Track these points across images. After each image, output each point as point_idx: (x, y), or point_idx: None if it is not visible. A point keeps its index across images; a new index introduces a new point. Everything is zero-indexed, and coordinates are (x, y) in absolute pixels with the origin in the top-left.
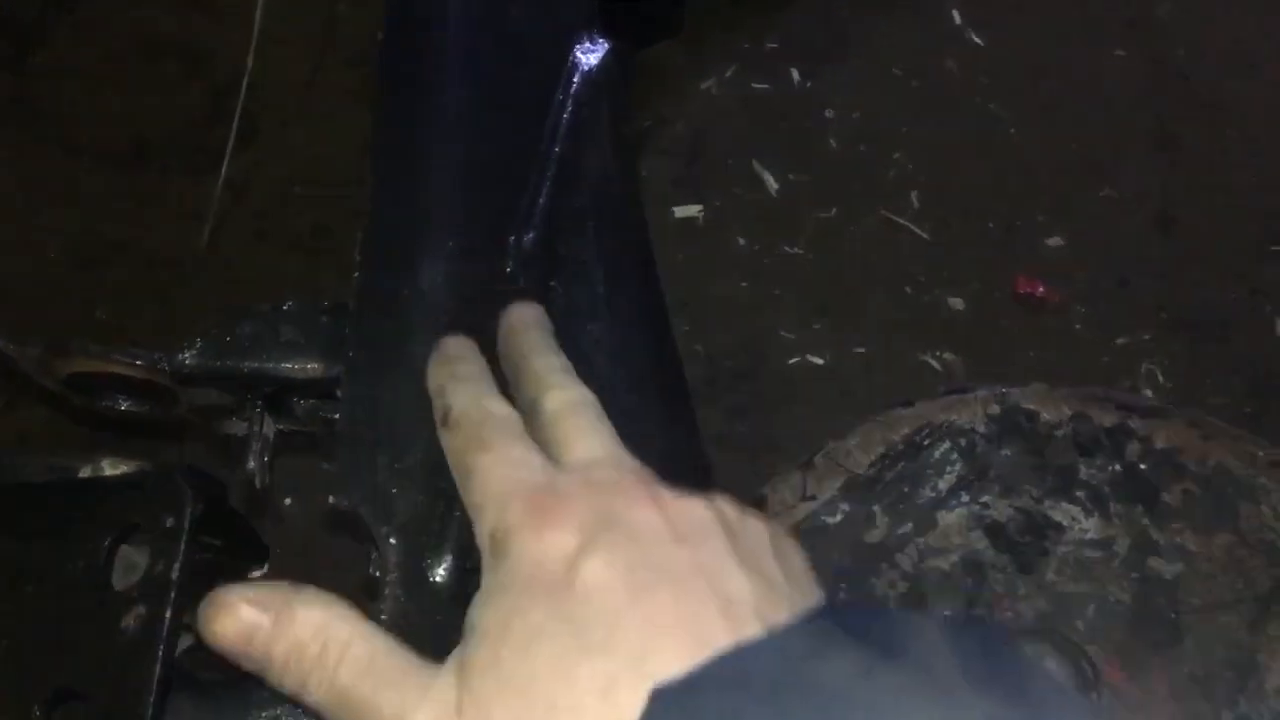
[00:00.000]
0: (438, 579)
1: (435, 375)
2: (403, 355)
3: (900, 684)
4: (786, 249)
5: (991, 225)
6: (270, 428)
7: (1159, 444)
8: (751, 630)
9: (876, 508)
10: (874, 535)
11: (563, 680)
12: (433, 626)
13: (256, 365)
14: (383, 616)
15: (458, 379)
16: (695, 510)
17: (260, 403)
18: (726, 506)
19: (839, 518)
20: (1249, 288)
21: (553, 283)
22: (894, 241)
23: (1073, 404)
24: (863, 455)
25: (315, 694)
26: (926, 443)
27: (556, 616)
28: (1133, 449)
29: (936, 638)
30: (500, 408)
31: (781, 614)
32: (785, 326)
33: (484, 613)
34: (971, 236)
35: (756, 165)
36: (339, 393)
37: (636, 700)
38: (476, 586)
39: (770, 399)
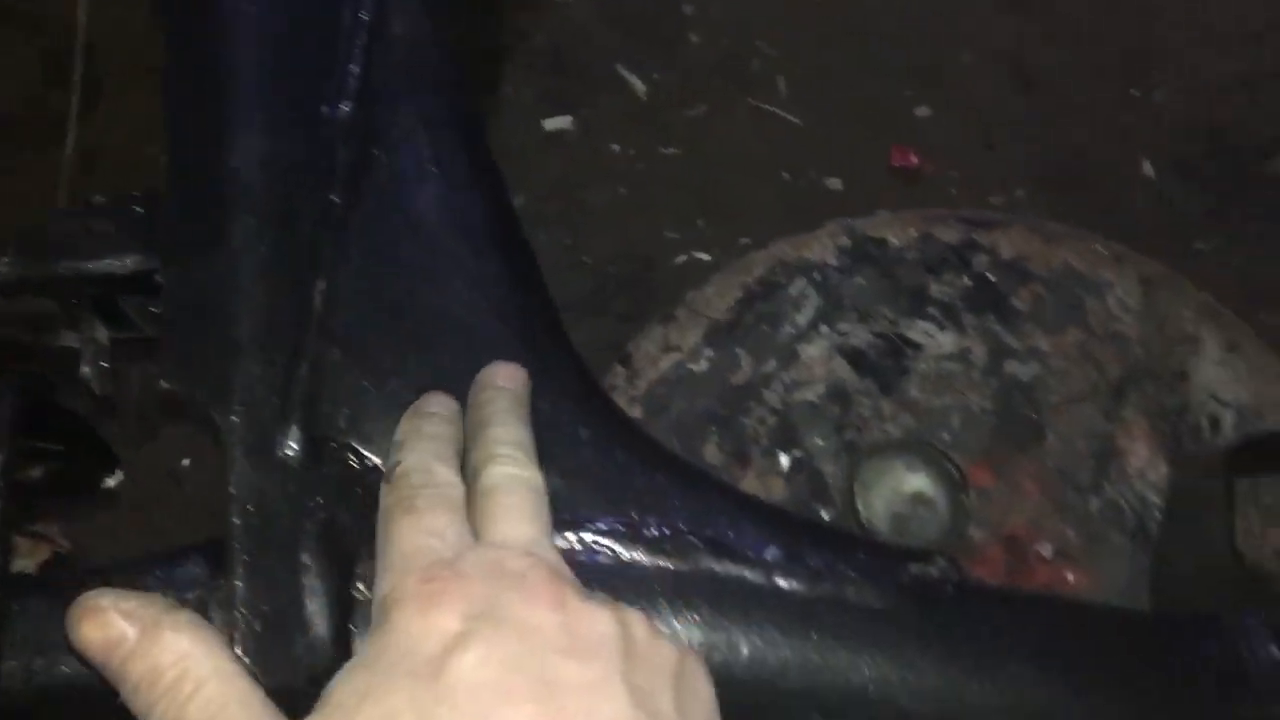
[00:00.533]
0: (287, 452)
1: (403, 427)
2: (220, 234)
3: None
4: (661, 150)
5: (860, 101)
6: (103, 333)
7: (1004, 253)
8: None
9: (739, 350)
10: (739, 377)
11: None
12: (285, 498)
13: (73, 264)
14: (232, 490)
15: (420, 435)
16: (598, 623)
17: (87, 305)
18: (637, 624)
19: (704, 364)
20: (1114, 133)
21: (375, 151)
22: (767, 130)
23: (918, 226)
24: (721, 301)
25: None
26: (781, 281)
27: (414, 706)
28: (979, 261)
29: None
30: (445, 474)
31: None
32: (669, 227)
33: (345, 683)
34: (841, 116)
35: (621, 69)
36: (159, 280)
37: None
38: (332, 459)
39: (663, 301)
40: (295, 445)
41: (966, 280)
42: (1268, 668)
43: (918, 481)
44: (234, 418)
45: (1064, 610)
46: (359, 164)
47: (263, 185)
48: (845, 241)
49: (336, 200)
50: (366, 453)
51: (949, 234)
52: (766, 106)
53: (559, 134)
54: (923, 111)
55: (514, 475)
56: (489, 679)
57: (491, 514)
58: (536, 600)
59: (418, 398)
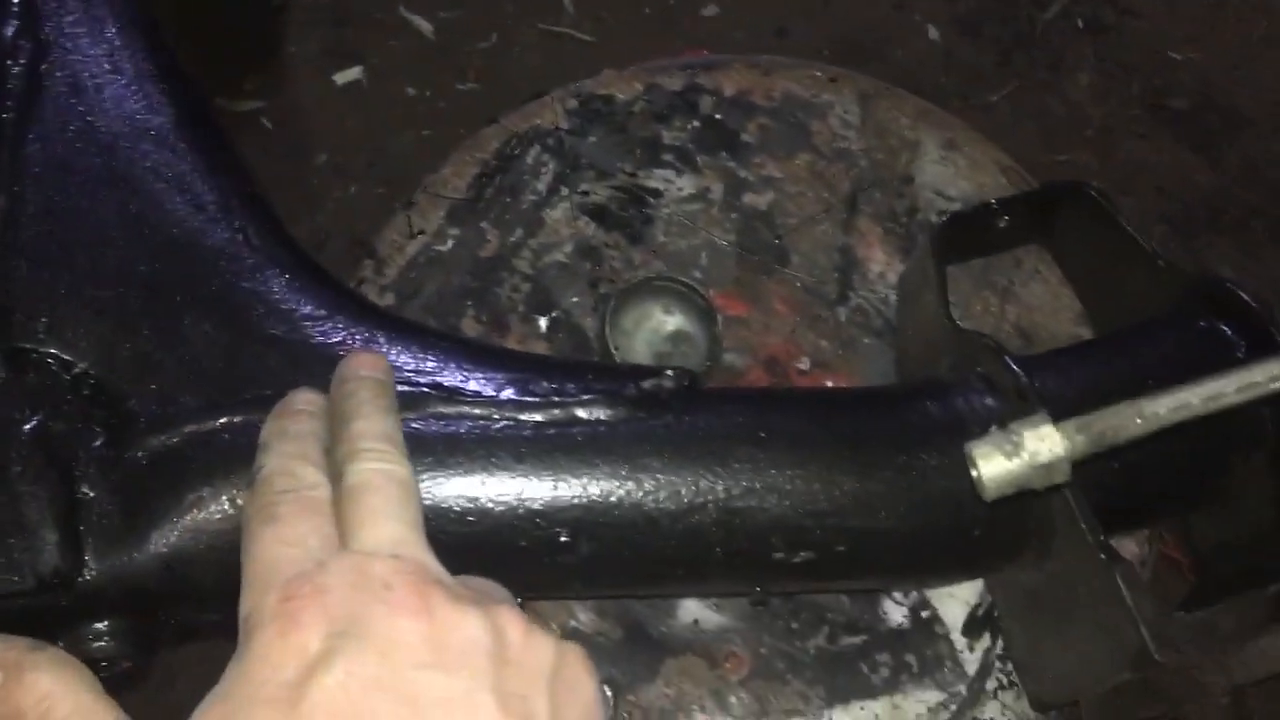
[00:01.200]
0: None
1: (267, 428)
2: None
3: None
4: (458, 86)
5: (647, 11)
6: None
7: (728, 92)
8: None
9: (484, 224)
10: (488, 250)
11: None
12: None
13: None
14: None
15: (284, 435)
16: (467, 628)
17: None
18: (511, 624)
19: (450, 244)
20: (896, 5)
21: (48, 65)
22: (560, 50)
23: (642, 78)
24: (459, 180)
25: None
26: (517, 152)
27: None
28: (705, 103)
29: None
30: (309, 475)
31: None
32: None
33: (203, 714)
34: (631, 28)
35: (404, 12)
36: None
37: None
38: (34, 368)
39: None
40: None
41: (696, 123)
42: (983, 414)
43: (674, 321)
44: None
45: (795, 397)
46: (30, 79)
47: None
48: (573, 104)
49: (8, 117)
50: (69, 358)
51: (673, 81)
52: (556, 28)
53: (352, 85)
54: (710, 10)
55: (379, 470)
56: (349, 701)
57: (356, 516)
58: (400, 610)
59: (117, 298)
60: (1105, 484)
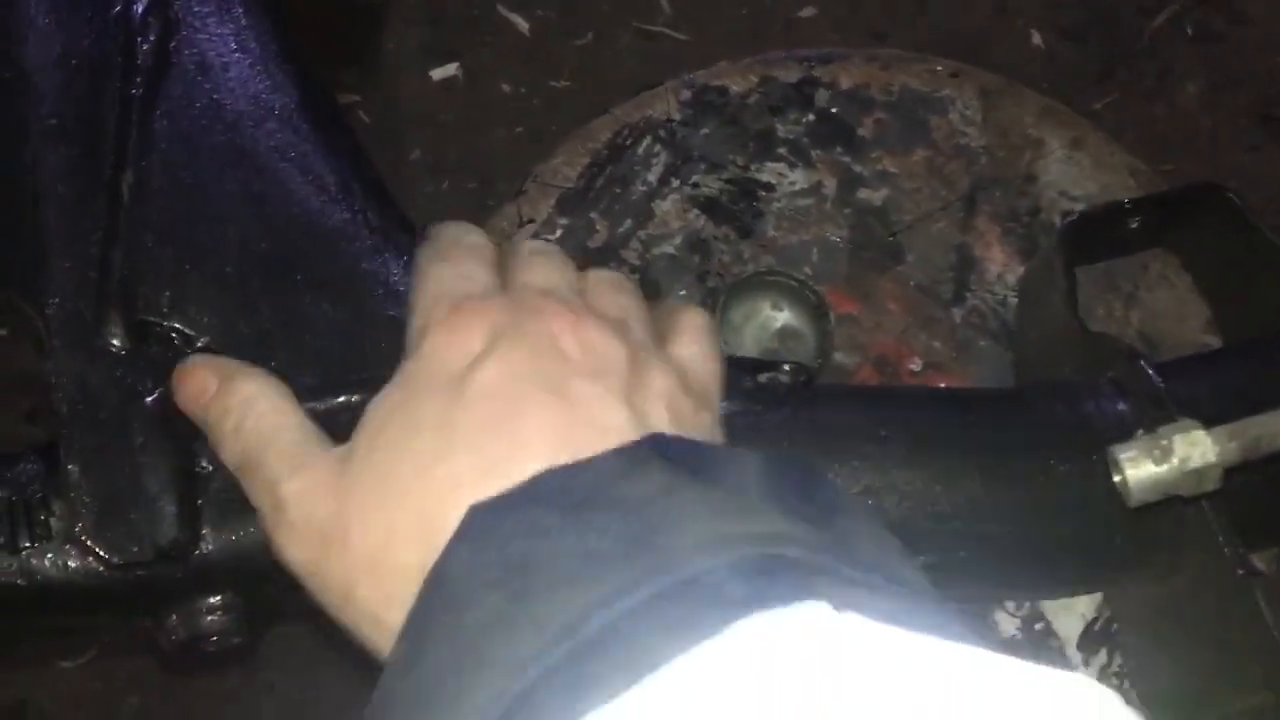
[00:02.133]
0: (111, 340)
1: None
2: (19, 135)
3: (696, 498)
4: (552, 84)
5: (744, 11)
6: None
7: (845, 85)
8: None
9: (593, 214)
10: (597, 240)
11: (420, 477)
12: (112, 383)
13: None
14: (53, 380)
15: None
16: (608, 346)
17: None
18: (643, 350)
19: (559, 233)
20: (999, 10)
21: (177, 42)
22: (654, 51)
23: (756, 70)
24: (570, 170)
25: (225, 450)
26: (628, 143)
27: (440, 415)
28: (821, 96)
29: (753, 469)
30: (478, 237)
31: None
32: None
33: (379, 402)
34: (728, 28)
35: (502, 10)
36: None
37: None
38: (158, 342)
39: None
40: (117, 331)
41: (810, 116)
42: (1112, 419)
43: (783, 317)
44: (49, 311)
45: (916, 395)
46: (159, 56)
47: (60, 84)
48: (686, 95)
49: (137, 94)
50: (191, 332)
51: (788, 74)
52: (653, 28)
53: (448, 81)
54: (808, 12)
55: (540, 244)
56: (505, 389)
57: (520, 266)
58: (552, 321)
59: (239, 275)
60: (1242, 496)
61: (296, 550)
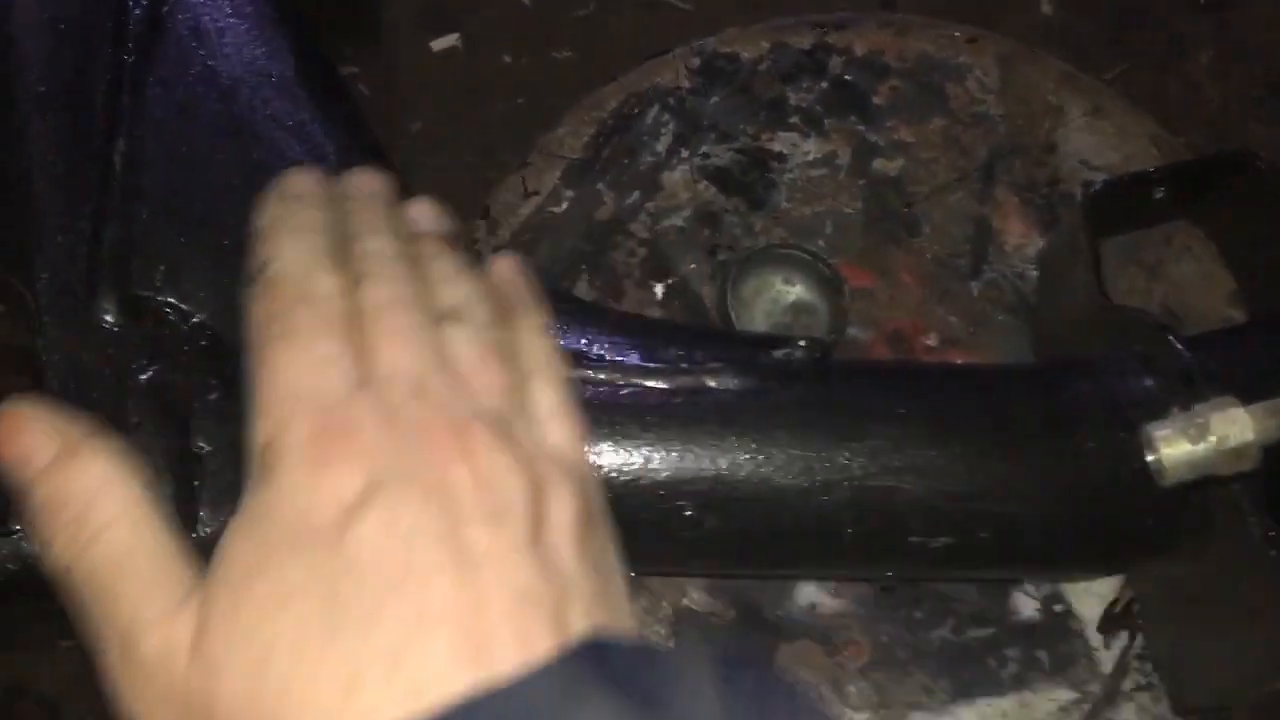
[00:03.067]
0: (103, 315)
1: (267, 213)
2: (6, 104)
3: None
4: (554, 55)
5: None
6: None
7: (859, 51)
8: (538, 641)
9: (600, 185)
10: (604, 212)
11: (303, 664)
12: (105, 360)
13: None
14: (44, 358)
15: (291, 228)
16: (507, 474)
17: None
18: (546, 470)
19: (565, 205)
20: None
21: (165, 9)
22: (657, 21)
23: (768, 36)
24: (575, 140)
25: (58, 557)
26: (635, 111)
27: (313, 580)
28: (835, 63)
29: (704, 683)
30: (327, 283)
31: (575, 618)
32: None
33: (235, 548)
34: None
35: None
36: None
37: (380, 709)
38: (153, 318)
39: None
40: (110, 307)
41: (824, 84)
42: (1140, 396)
43: (795, 291)
44: (40, 286)
45: (935, 371)
46: (151, 22)
47: (48, 51)
48: (695, 62)
49: (129, 60)
50: (186, 307)
51: (801, 40)
52: None
53: (449, 52)
54: None
55: (397, 295)
56: (397, 548)
57: (378, 339)
58: (442, 452)
59: (235, 248)
60: (1270, 475)
61: (148, 708)
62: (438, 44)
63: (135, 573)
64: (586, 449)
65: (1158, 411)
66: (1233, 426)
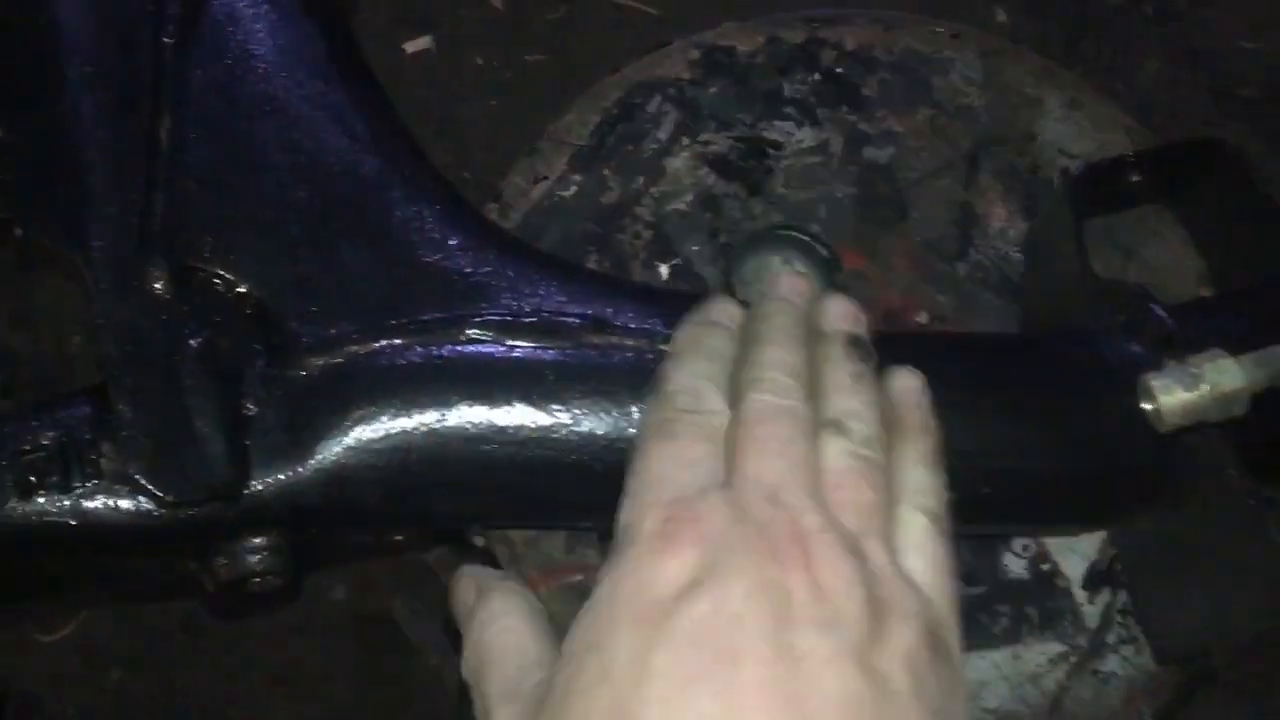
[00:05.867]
0: (154, 284)
1: (682, 335)
2: (55, 84)
3: None
4: (526, 57)
5: None
6: None
7: (849, 45)
8: None
9: (606, 171)
10: (610, 197)
11: None
12: (158, 325)
13: None
14: (101, 322)
15: (696, 350)
16: (846, 589)
17: None
18: (888, 586)
19: (573, 189)
20: None
21: None
22: (627, 24)
23: (763, 30)
24: (582, 128)
25: (465, 654)
26: (639, 101)
27: (634, 655)
28: (826, 56)
29: None
30: (712, 400)
31: None
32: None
33: (580, 624)
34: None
35: None
36: None
37: None
38: (200, 287)
39: None
40: (161, 275)
41: (817, 76)
42: (1127, 360)
43: (794, 270)
44: (94, 255)
45: (932, 338)
46: (188, 6)
47: (92, 33)
48: (695, 54)
49: (170, 43)
50: (232, 277)
51: (794, 34)
52: (624, 1)
53: (422, 54)
54: None
55: (772, 406)
56: (716, 632)
57: (743, 447)
58: (781, 555)
59: (277, 221)
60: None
61: None
62: (411, 46)
63: (503, 664)
64: (951, 589)
65: (1148, 367)
66: (1224, 375)
